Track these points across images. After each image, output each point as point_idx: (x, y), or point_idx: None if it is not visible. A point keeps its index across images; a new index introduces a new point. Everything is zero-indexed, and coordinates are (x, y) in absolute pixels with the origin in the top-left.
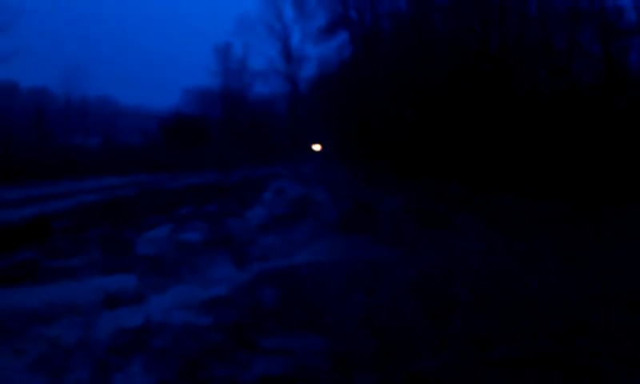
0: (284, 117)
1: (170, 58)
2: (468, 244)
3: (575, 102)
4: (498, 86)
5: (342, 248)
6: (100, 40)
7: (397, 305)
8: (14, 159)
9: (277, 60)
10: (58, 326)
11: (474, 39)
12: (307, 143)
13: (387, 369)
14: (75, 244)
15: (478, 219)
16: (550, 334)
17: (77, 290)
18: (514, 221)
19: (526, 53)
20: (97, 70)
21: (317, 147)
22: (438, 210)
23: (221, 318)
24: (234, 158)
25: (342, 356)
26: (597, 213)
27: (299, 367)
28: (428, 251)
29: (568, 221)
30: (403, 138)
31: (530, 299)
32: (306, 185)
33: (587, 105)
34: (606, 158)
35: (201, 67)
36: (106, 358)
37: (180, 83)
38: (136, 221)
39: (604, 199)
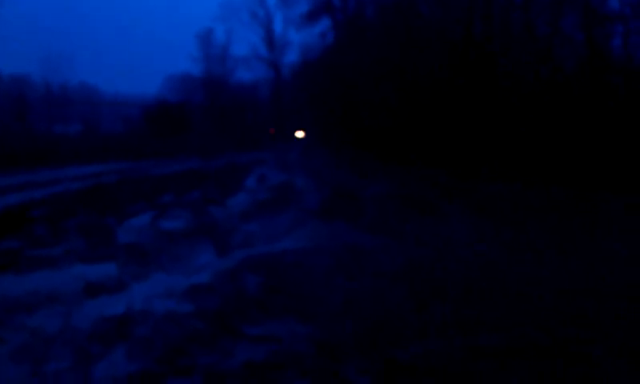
0: (267, 103)
1: (152, 45)
2: (454, 231)
3: (559, 88)
4: (482, 73)
5: (325, 235)
6: (82, 28)
7: (381, 291)
8: None
9: (260, 46)
10: (39, 315)
11: (459, 25)
12: (290, 130)
13: (372, 355)
14: (56, 232)
15: (463, 206)
16: (538, 322)
17: (58, 278)
18: (501, 208)
19: (510, 39)
20: (78, 57)
21: (300, 134)
22: (422, 197)
23: (203, 306)
24: (216, 145)
25: (327, 342)
26: (584, 199)
27: (283, 353)
28: (413, 238)
29: (555, 208)
30: (387, 125)
31: (519, 287)
32: (289, 171)
33: (571, 90)
34: (590, 144)
35: (184, 54)
36: (87, 347)
37: (163, 70)
38: (117, 209)
39: (591, 185)
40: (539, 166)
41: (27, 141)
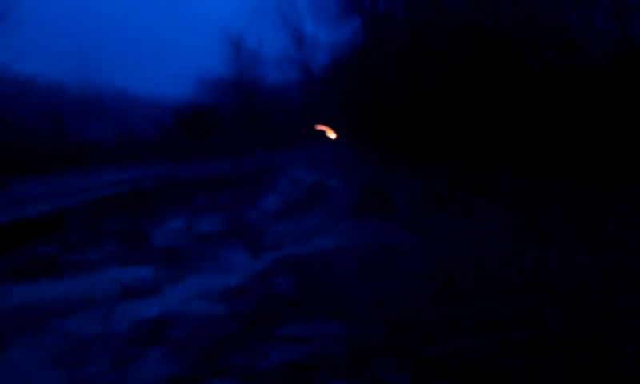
0: (298, 104)
1: (183, 48)
2: (484, 227)
3: (590, 82)
4: (512, 67)
5: (356, 234)
6: (113, 33)
7: (413, 290)
8: (31, 154)
9: (290, 48)
10: (76, 319)
11: (488, 19)
12: (322, 130)
13: (404, 354)
14: (92, 237)
15: (494, 203)
16: (571, 317)
17: (94, 282)
18: (532, 204)
19: (539, 31)
20: (111, 61)
21: (331, 134)
22: (453, 195)
23: (237, 307)
24: (247, 147)
25: (359, 342)
26: (613, 194)
27: (315, 354)
28: (444, 236)
29: (589, 203)
30: (416, 123)
31: (551, 283)
32: (320, 171)
33: (602, 83)
34: (623, 138)
35: (214, 56)
36: (123, 350)
37: (194, 73)
38: (152, 213)
39: (622, 180)
40: (571, 162)
41: (63, 147)
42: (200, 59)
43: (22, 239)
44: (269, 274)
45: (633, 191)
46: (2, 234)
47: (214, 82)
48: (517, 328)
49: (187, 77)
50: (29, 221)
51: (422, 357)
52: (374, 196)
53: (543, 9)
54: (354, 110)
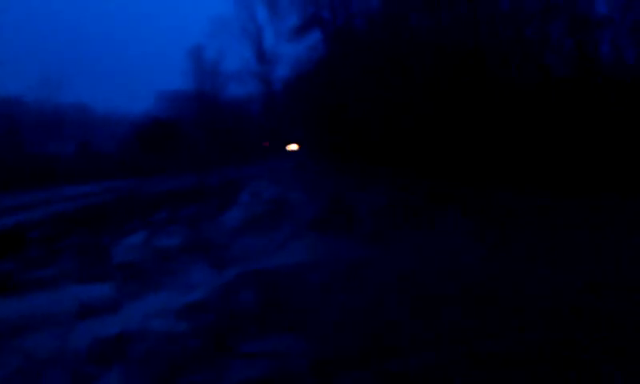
0: (259, 117)
1: (144, 63)
2: (450, 239)
3: (550, 94)
4: (473, 81)
5: (320, 248)
6: (73, 48)
7: (378, 304)
8: None
9: (251, 61)
10: (34, 337)
11: (447, 34)
12: (283, 143)
13: (370, 368)
14: (51, 254)
15: (458, 214)
16: (536, 327)
17: (53, 300)
18: (497, 215)
19: (500, 47)
20: (71, 77)
21: (293, 147)
22: (417, 206)
23: (199, 323)
24: (209, 160)
25: (323, 357)
26: (578, 203)
27: (279, 370)
28: (409, 248)
29: (550, 213)
30: (379, 134)
31: (516, 294)
32: (283, 184)
33: (561, 96)
34: (582, 148)
35: (175, 70)
36: (83, 369)
37: (154, 87)
38: (112, 228)
39: (584, 189)
40: (533, 172)
41: (20, 162)
42: (161, 74)
43: None
44: (231, 289)
45: (601, 203)
46: None
47: (175, 96)
48: (483, 340)
49: (148, 91)
50: None
51: (387, 371)
52: (337, 209)
53: (502, 23)
54: (316, 123)
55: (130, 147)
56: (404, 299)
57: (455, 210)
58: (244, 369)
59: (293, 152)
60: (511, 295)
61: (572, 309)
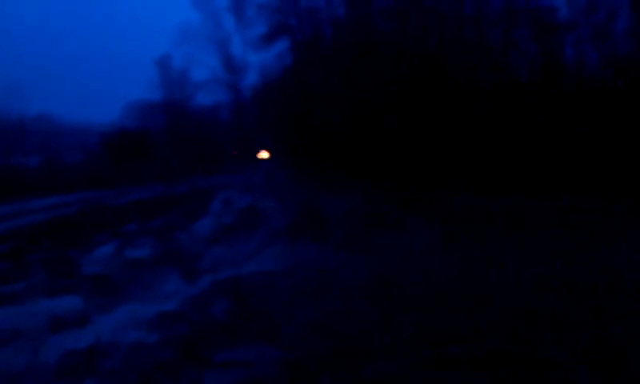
0: (229, 126)
1: (110, 72)
2: (418, 244)
3: (514, 99)
4: (438, 86)
5: (291, 255)
6: (38, 57)
7: (349, 309)
8: None
9: (218, 70)
10: (4, 353)
11: (412, 40)
12: (253, 151)
13: (342, 374)
14: (18, 267)
15: (426, 219)
16: (502, 330)
17: (22, 314)
18: (463, 219)
19: (464, 52)
20: (35, 87)
21: (263, 154)
22: (386, 212)
23: (171, 334)
24: (179, 170)
25: (296, 364)
26: (541, 206)
27: (253, 379)
28: (378, 253)
29: (515, 217)
30: (348, 142)
31: (482, 296)
32: (254, 193)
33: (526, 100)
34: (546, 152)
35: (142, 80)
36: (54, 383)
37: (122, 97)
38: (80, 240)
39: (548, 192)
40: (498, 176)
41: None
42: (128, 83)
43: None
44: (204, 299)
45: (560, 204)
46: None
47: (143, 105)
48: (452, 343)
49: (115, 101)
50: None
51: (358, 376)
52: (308, 216)
53: (467, 29)
54: (285, 130)
55: (97, 158)
56: (373, 304)
57: (422, 215)
58: (217, 379)
59: (263, 160)
60: (477, 297)
61: (538, 309)
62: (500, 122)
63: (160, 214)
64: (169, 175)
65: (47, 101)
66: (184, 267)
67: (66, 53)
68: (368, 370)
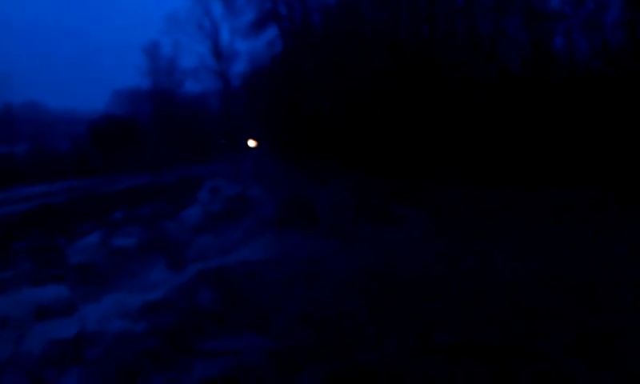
0: (217, 114)
1: (98, 60)
2: (407, 234)
3: (505, 88)
4: (428, 75)
5: (280, 244)
6: (25, 45)
7: (337, 298)
8: None
9: (207, 57)
10: None
11: (403, 29)
12: (242, 139)
13: (330, 363)
14: (5, 256)
15: (415, 209)
16: (490, 319)
17: (7, 303)
18: (452, 210)
19: (455, 41)
20: (22, 75)
21: (252, 143)
22: (375, 201)
23: (158, 323)
24: (167, 159)
25: (285, 353)
26: (531, 196)
27: (241, 368)
28: (367, 243)
29: (506, 207)
30: (338, 131)
31: (471, 287)
32: (242, 182)
33: (516, 89)
34: (538, 142)
35: (131, 67)
36: (39, 372)
37: (110, 85)
38: (67, 228)
39: (539, 182)
40: (491, 167)
41: None
42: (116, 71)
43: None
44: (191, 288)
45: (553, 194)
46: None
47: (131, 93)
48: (440, 332)
49: (103, 89)
50: None
51: (347, 365)
52: (297, 206)
53: (457, 17)
54: (274, 119)
55: (85, 146)
56: (363, 293)
57: (414, 206)
58: (205, 368)
59: (252, 148)
60: (468, 288)
61: (530, 302)
62: (491, 111)
63: (148, 203)
64: (157, 163)
65: (35, 89)
66: (171, 256)
67: (54, 40)
68: (356, 358)
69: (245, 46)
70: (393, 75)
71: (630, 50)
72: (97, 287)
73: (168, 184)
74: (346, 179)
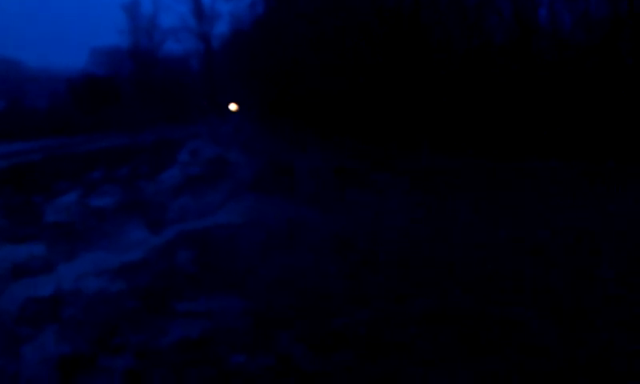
0: (198, 76)
1: (78, 17)
2: (386, 202)
3: (490, 60)
4: (413, 46)
5: (258, 208)
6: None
7: (315, 264)
8: None
9: (188, 18)
10: None
11: None
12: (223, 102)
13: (306, 326)
14: None
15: (396, 179)
16: (467, 287)
17: None
18: (433, 180)
19: (439, 11)
20: (0, 32)
21: (233, 106)
22: (356, 170)
23: (135, 283)
24: (147, 119)
25: (262, 316)
26: (511, 169)
27: (217, 329)
28: (347, 210)
29: (485, 179)
30: (320, 97)
31: (448, 255)
32: (223, 145)
33: (501, 61)
34: (520, 114)
35: (110, 26)
36: (15, 330)
37: (89, 43)
38: (44, 187)
39: (522, 155)
40: (473, 138)
41: None
42: (96, 29)
43: None
44: (168, 249)
45: (533, 165)
46: None
47: (111, 52)
48: (418, 299)
49: (82, 47)
50: None
51: (324, 329)
52: (277, 170)
53: None
54: (255, 83)
55: (63, 104)
56: (340, 259)
57: (392, 174)
58: (181, 328)
59: (233, 112)
60: (446, 256)
61: (507, 270)
62: (474, 82)
63: (126, 163)
64: (136, 124)
65: (12, 45)
66: (149, 217)
67: None
68: (332, 322)
69: (227, 6)
70: (376, 43)
71: (612, 22)
72: (74, 246)
73: (147, 145)
74: (326, 147)
